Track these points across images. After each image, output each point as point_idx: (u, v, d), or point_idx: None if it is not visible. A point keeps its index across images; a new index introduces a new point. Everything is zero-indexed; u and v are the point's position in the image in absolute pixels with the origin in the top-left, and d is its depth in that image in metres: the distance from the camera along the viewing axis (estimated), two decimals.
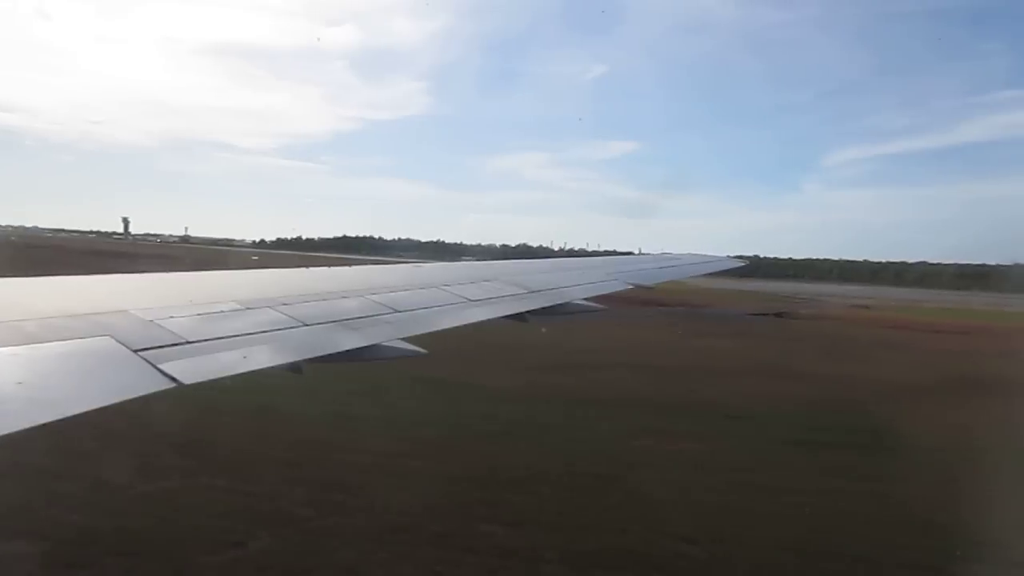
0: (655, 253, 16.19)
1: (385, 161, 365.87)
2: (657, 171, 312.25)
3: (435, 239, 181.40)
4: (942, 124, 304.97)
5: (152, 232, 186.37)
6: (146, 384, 3.54)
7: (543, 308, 7.73)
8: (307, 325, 5.03)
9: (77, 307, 4.25)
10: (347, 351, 4.89)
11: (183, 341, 4.11)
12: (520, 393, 23.31)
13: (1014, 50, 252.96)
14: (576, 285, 9.09)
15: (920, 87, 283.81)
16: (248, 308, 5.07)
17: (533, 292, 8.04)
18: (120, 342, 3.81)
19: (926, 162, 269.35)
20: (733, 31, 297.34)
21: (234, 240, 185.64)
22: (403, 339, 5.30)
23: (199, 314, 4.68)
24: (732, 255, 18.59)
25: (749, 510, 14.20)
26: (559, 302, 8.01)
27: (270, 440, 16.81)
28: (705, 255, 16.21)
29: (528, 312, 7.55)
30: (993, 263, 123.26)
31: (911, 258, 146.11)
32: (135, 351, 3.77)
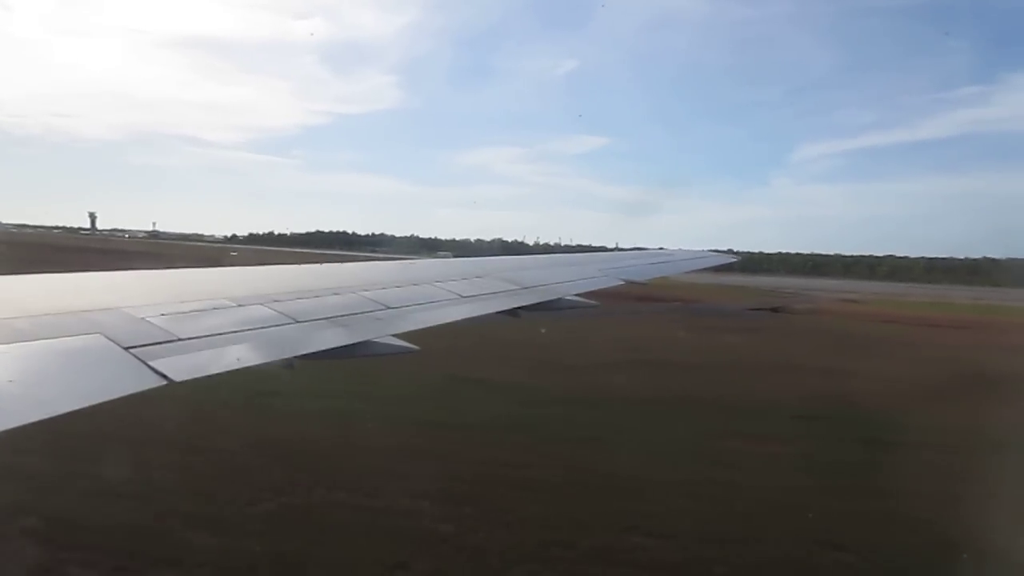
0: (640, 249, 16.26)
1: (355, 156, 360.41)
2: (629, 167, 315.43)
3: (409, 234, 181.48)
4: (908, 120, 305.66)
5: (120, 227, 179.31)
6: (137, 382, 3.56)
7: (535, 304, 7.76)
8: (299, 322, 5.04)
9: (68, 304, 4.26)
10: (338, 347, 4.91)
11: (174, 338, 4.12)
12: (566, 394, 22.86)
13: (977, 47, 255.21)
14: (568, 281, 9.12)
15: (887, 83, 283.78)
16: (240, 305, 5.09)
17: (526, 288, 8.06)
18: (111, 339, 3.82)
19: (893, 157, 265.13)
20: (704, 27, 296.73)
21: (204, 235, 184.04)
22: (395, 335, 5.32)
23: (191, 311, 4.69)
24: (707, 249, 18.57)
25: (887, 514, 13.54)
26: (551, 298, 8.04)
27: (366, 447, 16.38)
28: (697, 251, 16.26)
29: (521, 308, 7.60)
30: (961, 257, 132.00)
31: (879, 251, 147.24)
32: (126, 348, 3.79)
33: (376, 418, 18.62)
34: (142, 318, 4.27)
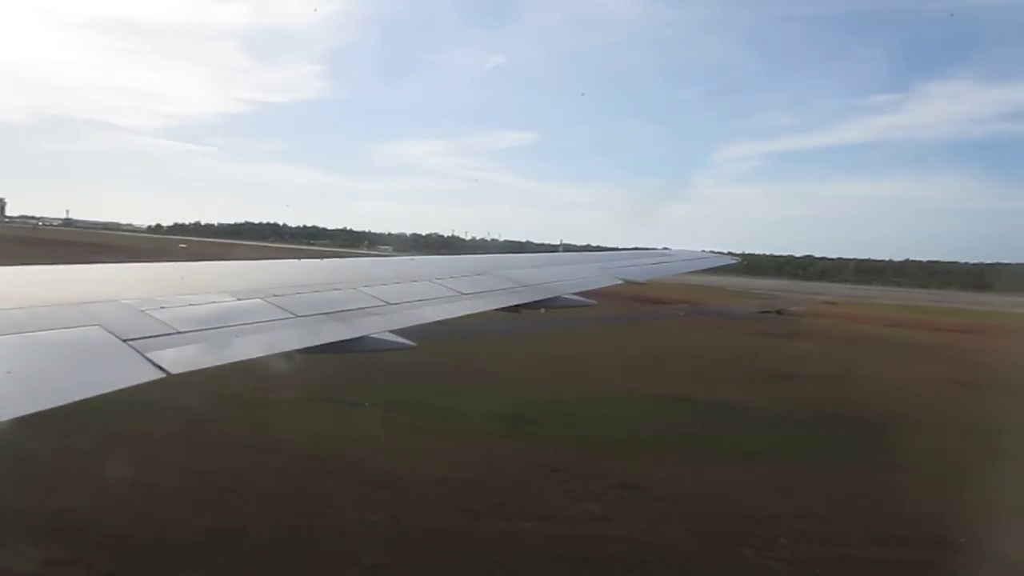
0: (641, 248, 16.19)
1: (278, 145, 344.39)
2: (553, 163, 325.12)
3: (342, 227, 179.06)
4: (824, 124, 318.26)
5: (31, 215, 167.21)
6: (135, 374, 3.56)
7: (534, 302, 7.78)
8: (298, 316, 5.05)
9: (67, 296, 4.26)
10: (336, 342, 4.91)
11: (173, 331, 4.12)
12: (790, 411, 22.00)
13: (889, 56, 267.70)
14: (567, 280, 9.13)
15: (805, 88, 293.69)
16: (239, 299, 5.09)
17: (525, 286, 8.07)
18: (110, 331, 3.83)
19: (809, 160, 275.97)
20: (628, 27, 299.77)
21: (121, 224, 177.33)
22: (393, 331, 5.32)
23: (189, 304, 4.69)
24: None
25: None
26: (550, 296, 8.05)
27: (522, 468, 15.69)
28: (696, 252, 16.22)
29: (520, 306, 7.61)
30: (885, 258, 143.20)
31: (798, 252, 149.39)
32: (125, 340, 3.79)
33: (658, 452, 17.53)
34: (141, 310, 4.27)
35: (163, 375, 3.63)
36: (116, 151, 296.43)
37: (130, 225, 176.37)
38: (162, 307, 4.41)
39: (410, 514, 12.71)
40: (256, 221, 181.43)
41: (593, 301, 8.61)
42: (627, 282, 10.62)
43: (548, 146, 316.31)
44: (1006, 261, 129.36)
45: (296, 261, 7.71)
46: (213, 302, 4.90)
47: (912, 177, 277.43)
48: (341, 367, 22.05)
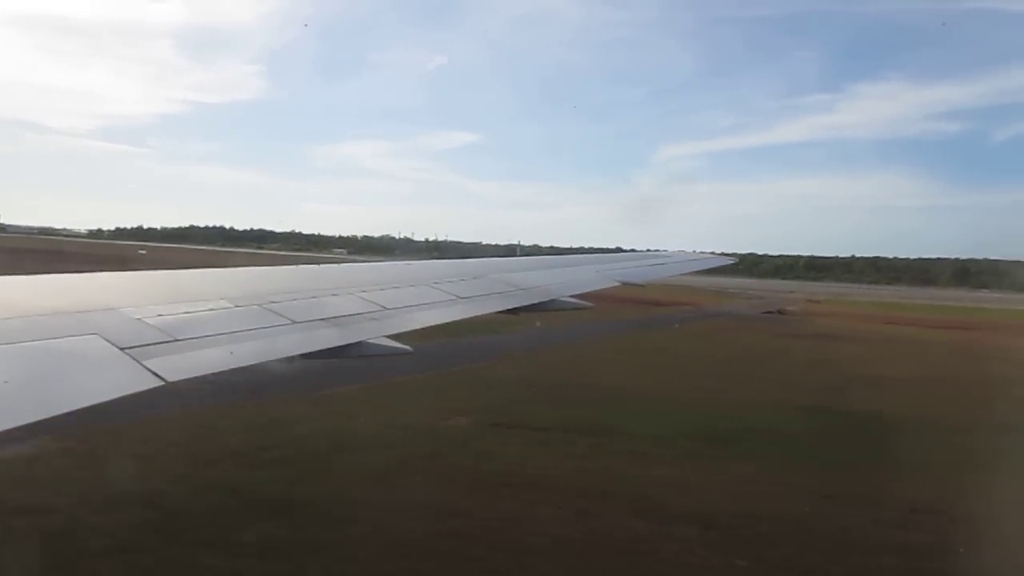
0: (639, 251, 16.21)
1: (217, 147, 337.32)
2: (497, 163, 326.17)
3: (291, 229, 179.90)
4: (762, 124, 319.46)
5: None
6: (133, 382, 3.58)
7: (531, 305, 7.80)
8: (295, 323, 5.06)
9: (65, 305, 4.28)
10: (332, 348, 4.93)
11: (171, 339, 4.14)
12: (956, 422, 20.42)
13: (823, 57, 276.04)
14: (564, 282, 9.16)
15: (742, 88, 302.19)
16: (237, 306, 5.11)
17: (522, 289, 8.11)
18: (108, 340, 3.84)
19: (749, 159, 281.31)
20: (572, 27, 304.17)
21: (57, 228, 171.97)
22: (390, 336, 5.34)
23: (187, 312, 4.72)
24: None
25: None
26: (546, 299, 8.09)
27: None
28: (693, 253, 16.24)
29: (517, 309, 7.65)
30: (829, 255, 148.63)
31: (741, 250, 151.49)
32: (123, 349, 3.80)
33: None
34: (139, 319, 4.29)
35: (161, 383, 3.65)
36: (47, 153, 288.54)
37: (67, 230, 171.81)
38: (159, 315, 4.43)
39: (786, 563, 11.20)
40: (201, 224, 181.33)
41: (590, 304, 8.64)
42: (624, 284, 10.65)
43: (492, 146, 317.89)
44: (944, 256, 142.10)
45: (292, 268, 7.74)
46: (211, 309, 4.92)
47: (848, 175, 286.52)
48: (446, 385, 22.05)
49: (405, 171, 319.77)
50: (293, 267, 8.03)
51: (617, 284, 10.34)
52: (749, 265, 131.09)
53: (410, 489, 12.95)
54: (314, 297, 5.83)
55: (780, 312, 62.38)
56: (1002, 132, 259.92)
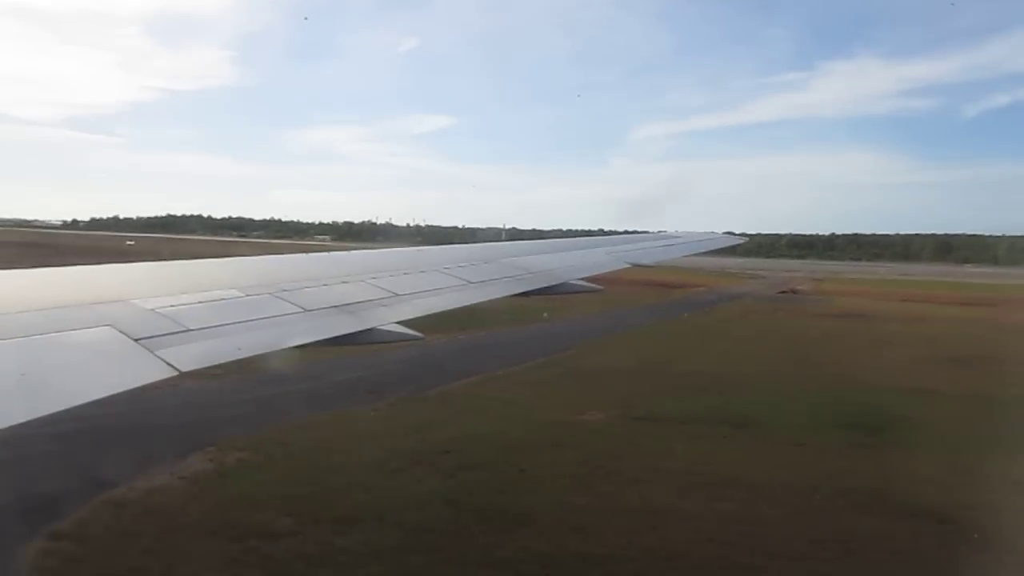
0: (648, 232, 16.10)
1: (190, 134, 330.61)
2: (473, 146, 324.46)
3: (269, 217, 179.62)
4: (735, 103, 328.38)
5: None
6: (147, 373, 3.59)
7: (541, 288, 7.78)
8: (307, 310, 5.06)
9: (79, 297, 4.29)
10: (344, 335, 4.92)
11: (183, 329, 4.14)
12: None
13: (795, 35, 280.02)
14: (575, 265, 9.12)
15: (715, 68, 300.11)
16: (248, 295, 5.10)
17: (532, 273, 8.08)
18: (121, 332, 3.85)
19: (722, 138, 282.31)
20: (544, 8, 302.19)
21: (29, 220, 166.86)
22: (399, 323, 5.33)
23: (200, 302, 4.72)
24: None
25: None
26: (556, 282, 8.06)
27: None
28: (701, 233, 16.13)
29: (529, 292, 7.62)
30: (810, 233, 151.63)
31: (719, 229, 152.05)
32: (136, 340, 3.81)
33: None
34: (151, 309, 4.29)
35: (175, 373, 3.65)
36: (16, 144, 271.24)
37: (40, 221, 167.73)
38: (171, 305, 4.44)
39: None
40: (179, 213, 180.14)
41: (600, 287, 8.60)
42: (635, 266, 10.60)
43: (468, 129, 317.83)
44: (921, 232, 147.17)
45: (302, 255, 7.73)
46: (222, 299, 4.92)
47: (821, 152, 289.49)
48: (544, 377, 22.41)
49: (381, 156, 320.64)
50: (303, 255, 8.03)
51: (627, 266, 10.30)
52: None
53: (625, 494, 12.82)
54: (325, 284, 5.82)
55: (793, 292, 62.18)
56: (973, 108, 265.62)
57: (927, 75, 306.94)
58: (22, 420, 2.87)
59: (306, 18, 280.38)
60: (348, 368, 21.25)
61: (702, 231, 16.55)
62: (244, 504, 11.82)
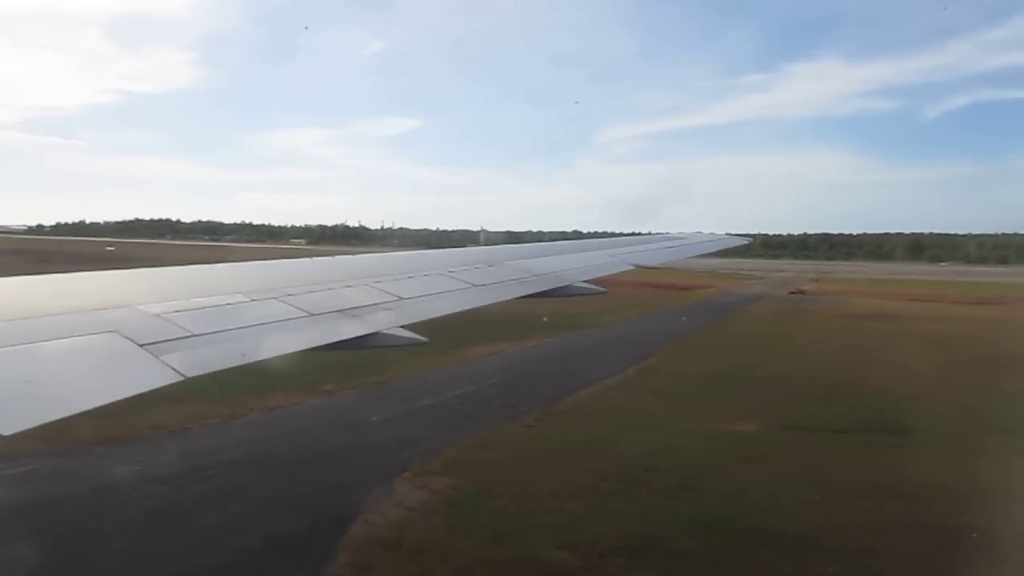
0: (654, 233, 16.08)
1: (153, 138, 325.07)
2: (440, 149, 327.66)
3: (239, 220, 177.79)
4: (701, 104, 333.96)
5: None
6: (152, 378, 3.60)
7: (545, 291, 7.78)
8: (312, 315, 5.07)
9: (84, 303, 4.30)
10: (348, 339, 4.93)
11: (188, 334, 4.16)
12: None
13: (759, 37, 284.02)
14: (578, 268, 9.13)
15: (681, 70, 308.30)
16: (253, 300, 5.12)
17: (536, 276, 8.09)
18: (127, 337, 3.86)
19: (690, 140, 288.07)
20: (511, 10, 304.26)
21: None
22: (404, 327, 5.34)
23: (205, 307, 4.73)
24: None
25: None
26: (560, 284, 8.06)
27: None
28: (706, 234, 16.11)
29: (532, 295, 7.63)
30: (781, 232, 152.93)
31: (689, 229, 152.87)
32: (141, 346, 3.83)
33: None
34: (156, 315, 4.31)
35: (180, 378, 3.67)
36: None
37: (2, 226, 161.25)
38: (176, 311, 4.45)
39: None
40: (146, 218, 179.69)
41: (603, 289, 8.60)
42: (639, 268, 10.59)
43: (434, 132, 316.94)
44: (890, 231, 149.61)
45: (306, 260, 7.74)
46: (227, 304, 4.93)
47: (786, 153, 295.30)
48: (660, 387, 21.69)
49: (347, 158, 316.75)
50: (307, 259, 8.04)
51: (631, 268, 10.30)
52: None
53: (874, 509, 12.22)
54: (329, 289, 5.83)
55: (801, 292, 62.29)
56: (933, 109, 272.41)
57: (889, 76, 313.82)
58: (29, 426, 2.88)
59: (306, 27, 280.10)
60: (450, 381, 20.91)
61: (706, 232, 16.54)
62: (517, 536, 10.90)
